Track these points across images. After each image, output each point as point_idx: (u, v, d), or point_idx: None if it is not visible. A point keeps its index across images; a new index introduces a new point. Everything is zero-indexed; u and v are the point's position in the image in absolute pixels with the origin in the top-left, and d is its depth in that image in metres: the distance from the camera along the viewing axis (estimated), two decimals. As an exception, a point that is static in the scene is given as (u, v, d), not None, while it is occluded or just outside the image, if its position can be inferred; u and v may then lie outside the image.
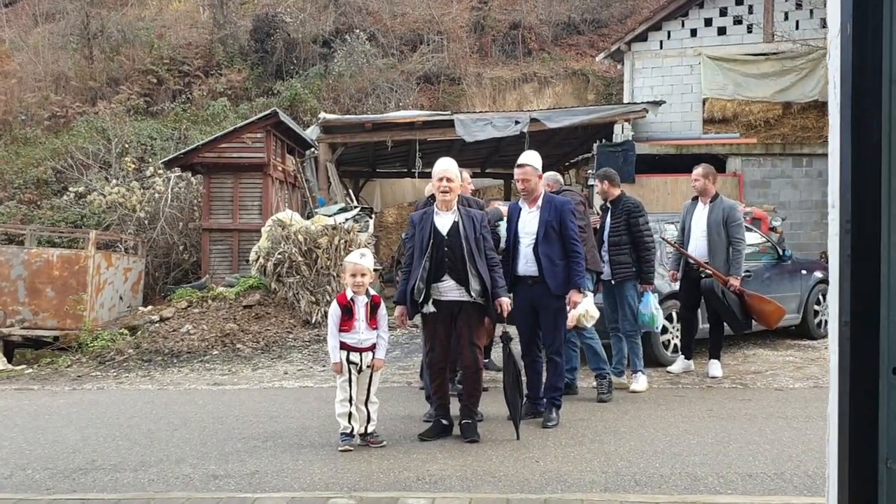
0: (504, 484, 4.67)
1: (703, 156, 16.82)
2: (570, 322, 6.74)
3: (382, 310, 5.60)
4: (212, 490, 4.65)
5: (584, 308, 6.74)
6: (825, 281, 10.37)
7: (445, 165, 5.79)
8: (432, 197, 6.54)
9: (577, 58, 26.64)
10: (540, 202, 6.19)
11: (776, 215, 13.76)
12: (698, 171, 8.05)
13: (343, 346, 5.43)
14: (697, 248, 7.82)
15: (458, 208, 5.76)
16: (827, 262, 11.00)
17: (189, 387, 8.29)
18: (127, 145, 18.27)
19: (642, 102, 16.84)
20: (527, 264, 6.15)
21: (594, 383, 7.16)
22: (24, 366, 9.86)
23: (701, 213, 7.90)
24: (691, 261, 7.82)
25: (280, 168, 14.77)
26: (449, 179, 5.71)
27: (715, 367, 8.03)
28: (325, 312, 11.15)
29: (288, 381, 8.44)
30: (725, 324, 8.04)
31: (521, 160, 6.28)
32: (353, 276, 5.46)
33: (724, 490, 4.51)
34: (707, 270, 7.67)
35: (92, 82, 22.97)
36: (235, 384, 8.36)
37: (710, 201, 7.88)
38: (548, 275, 6.05)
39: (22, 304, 11.00)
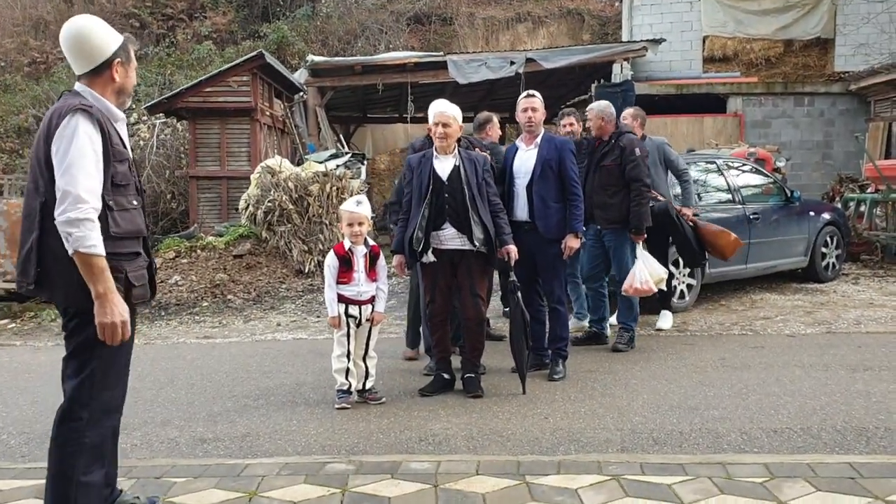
0: (513, 443, 4.38)
1: (703, 95, 16.40)
2: (652, 288, 6.48)
3: (382, 261, 5.24)
4: (199, 456, 4.33)
5: (659, 274, 6.60)
6: (833, 223, 10.10)
7: (442, 108, 5.39)
8: (429, 138, 6.16)
9: (571, -4, 25.94)
10: (539, 140, 5.83)
11: (780, 156, 13.41)
12: (628, 112, 7.48)
13: (341, 298, 5.07)
14: None
15: (459, 151, 5.37)
16: (832, 204, 10.72)
17: (177, 340, 7.96)
18: (109, 91, 17.65)
19: (642, 41, 16.30)
20: (522, 208, 5.81)
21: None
22: (6, 320, 9.49)
23: None
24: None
25: (268, 113, 14.27)
26: (445, 124, 5.31)
27: (665, 319, 7.59)
28: (319, 262, 10.85)
29: (281, 332, 8.12)
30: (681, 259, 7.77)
31: (530, 92, 5.95)
32: (351, 224, 5.08)
33: (749, 448, 4.22)
34: (657, 196, 7.20)
35: (73, 27, 22.23)
36: (226, 337, 8.04)
37: None
38: (538, 216, 5.71)
39: (3, 256, 10.60)
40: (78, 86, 3.10)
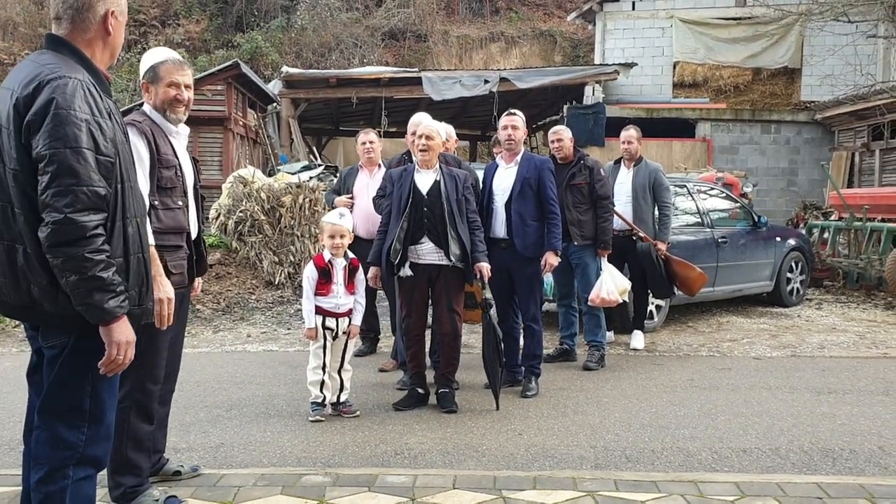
0: (488, 459, 4.41)
1: (673, 120, 16.68)
2: (618, 299, 6.61)
3: (361, 274, 5.26)
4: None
5: (623, 286, 6.76)
6: (798, 248, 10.30)
7: (423, 121, 5.45)
8: (408, 153, 6.21)
9: (544, 18, 26.26)
10: (518, 159, 5.90)
11: (747, 181, 13.67)
12: (632, 132, 7.49)
13: (319, 310, 5.08)
14: (623, 214, 7.31)
15: (441, 167, 5.42)
16: (797, 230, 10.91)
17: (146, 349, 7.86)
18: (79, 96, 17.48)
19: (614, 64, 16.56)
20: (500, 225, 5.86)
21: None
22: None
23: (625, 178, 7.43)
24: (619, 224, 7.23)
25: (241, 123, 14.25)
26: (428, 137, 5.37)
27: (638, 339, 7.66)
28: (289, 274, 10.82)
29: (251, 344, 8.08)
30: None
31: (512, 111, 6.05)
32: (332, 237, 5.08)
33: (719, 467, 4.30)
34: (640, 234, 7.29)
35: (42, 29, 21.96)
36: (195, 347, 7.96)
37: (634, 165, 7.47)
38: (516, 234, 5.76)
39: None
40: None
